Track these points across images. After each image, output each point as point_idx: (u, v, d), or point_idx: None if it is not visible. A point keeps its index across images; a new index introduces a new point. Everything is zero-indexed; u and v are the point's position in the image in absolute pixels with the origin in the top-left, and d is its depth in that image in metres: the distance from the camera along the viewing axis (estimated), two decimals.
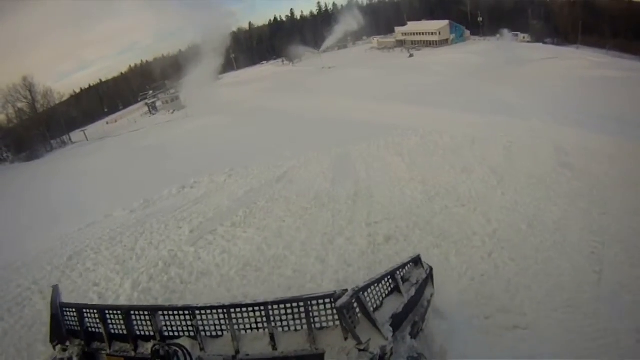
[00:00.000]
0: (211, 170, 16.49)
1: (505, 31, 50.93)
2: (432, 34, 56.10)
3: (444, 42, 55.66)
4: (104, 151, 31.63)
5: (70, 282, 9.51)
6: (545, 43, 49.24)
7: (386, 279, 4.69)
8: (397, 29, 60.29)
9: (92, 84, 57.94)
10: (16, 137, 42.76)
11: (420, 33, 57.16)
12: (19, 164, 38.50)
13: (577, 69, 30.98)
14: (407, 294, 4.79)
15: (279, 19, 69.17)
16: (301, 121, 24.88)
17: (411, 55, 52.00)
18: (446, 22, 55.98)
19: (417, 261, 5.41)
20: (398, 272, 4.86)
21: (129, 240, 11.38)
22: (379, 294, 4.54)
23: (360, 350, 3.99)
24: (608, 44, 42.91)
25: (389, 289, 4.71)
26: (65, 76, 55.53)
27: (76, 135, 45.09)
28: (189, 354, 4.12)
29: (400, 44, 58.44)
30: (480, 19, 56.57)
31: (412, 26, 58.66)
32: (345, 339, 4.10)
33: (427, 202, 10.68)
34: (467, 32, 57.17)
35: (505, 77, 28.83)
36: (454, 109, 20.94)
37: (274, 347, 4.29)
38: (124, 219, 13.29)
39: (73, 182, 21.64)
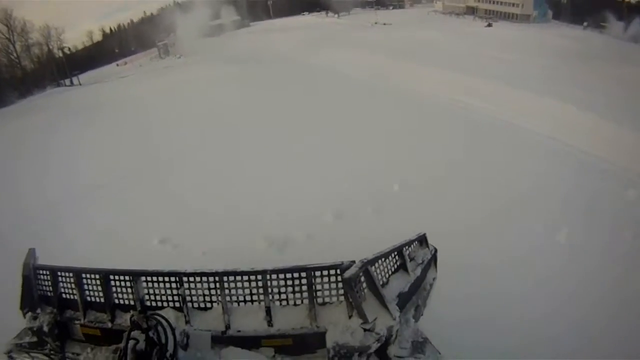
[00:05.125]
0: None
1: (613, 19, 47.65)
2: (514, 5, 53.57)
3: (524, 18, 53.01)
4: (49, 109, 30.32)
5: None
6: None
7: (393, 254, 4.82)
8: None
9: (121, 24, 60.61)
10: None
11: (498, 2, 55.13)
12: None
13: None
14: (414, 272, 4.94)
15: None
16: (342, 86, 21.23)
17: (489, 25, 50.21)
18: None
19: (422, 240, 5.55)
20: (405, 249, 4.99)
21: None
22: (386, 269, 4.67)
23: (365, 330, 4.08)
24: None
25: (395, 265, 4.85)
26: (105, 17, 58.09)
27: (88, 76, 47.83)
28: (171, 326, 4.18)
29: (471, 11, 56.86)
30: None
31: None
32: (350, 317, 4.16)
33: None
34: (550, 13, 54.42)
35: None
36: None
37: (270, 323, 4.37)
38: None
39: None
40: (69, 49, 51.40)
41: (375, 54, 29.78)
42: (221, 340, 4.42)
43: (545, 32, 44.52)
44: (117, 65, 52.99)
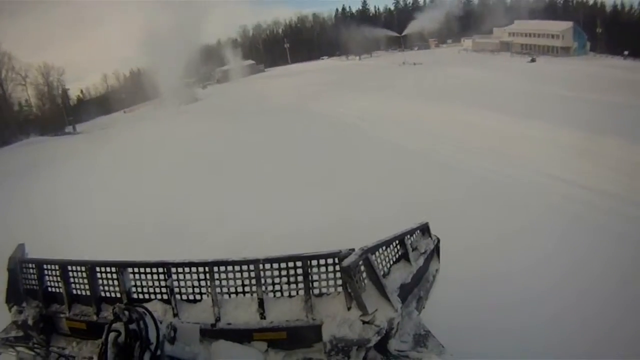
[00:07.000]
0: None
1: None
2: (553, 37, 53.06)
3: (564, 51, 52.33)
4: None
5: None
6: None
7: (395, 243, 4.71)
8: (498, 30, 58.38)
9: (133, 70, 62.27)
10: None
11: (535, 35, 54.42)
12: None
13: None
14: (416, 263, 4.82)
15: (347, 10, 69.79)
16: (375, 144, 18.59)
17: (533, 60, 49.61)
18: (570, 23, 52.85)
19: (424, 229, 5.42)
20: (407, 238, 4.88)
21: None
22: (387, 259, 4.55)
23: (364, 322, 3.92)
24: None
25: (397, 255, 4.74)
26: (127, 60, 60.19)
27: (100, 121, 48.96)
28: (153, 317, 4.05)
29: (505, 47, 56.37)
30: (599, 29, 52.74)
31: (524, 25, 55.98)
32: (349, 308, 4.02)
33: None
34: (588, 44, 53.41)
35: None
36: None
37: (263, 316, 4.25)
38: None
39: None
40: (82, 91, 54.83)
41: (413, 99, 27.55)
42: (211, 333, 4.32)
43: (597, 65, 43.18)
44: (125, 112, 55.24)
